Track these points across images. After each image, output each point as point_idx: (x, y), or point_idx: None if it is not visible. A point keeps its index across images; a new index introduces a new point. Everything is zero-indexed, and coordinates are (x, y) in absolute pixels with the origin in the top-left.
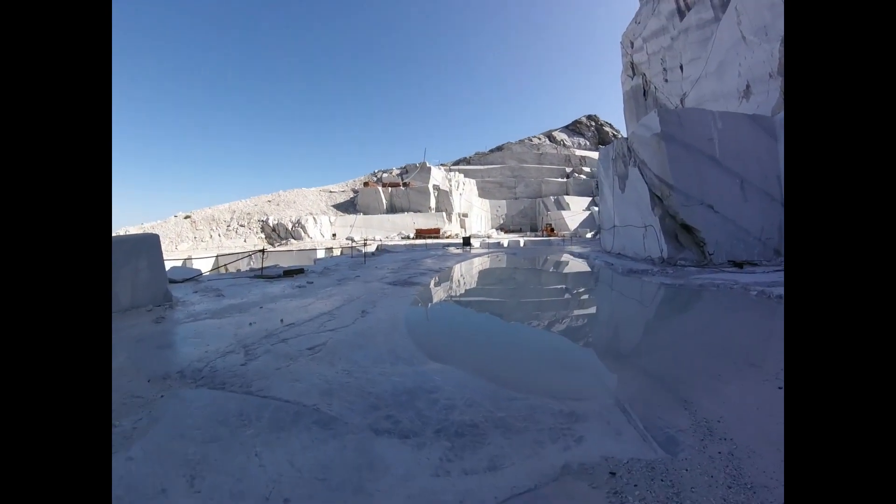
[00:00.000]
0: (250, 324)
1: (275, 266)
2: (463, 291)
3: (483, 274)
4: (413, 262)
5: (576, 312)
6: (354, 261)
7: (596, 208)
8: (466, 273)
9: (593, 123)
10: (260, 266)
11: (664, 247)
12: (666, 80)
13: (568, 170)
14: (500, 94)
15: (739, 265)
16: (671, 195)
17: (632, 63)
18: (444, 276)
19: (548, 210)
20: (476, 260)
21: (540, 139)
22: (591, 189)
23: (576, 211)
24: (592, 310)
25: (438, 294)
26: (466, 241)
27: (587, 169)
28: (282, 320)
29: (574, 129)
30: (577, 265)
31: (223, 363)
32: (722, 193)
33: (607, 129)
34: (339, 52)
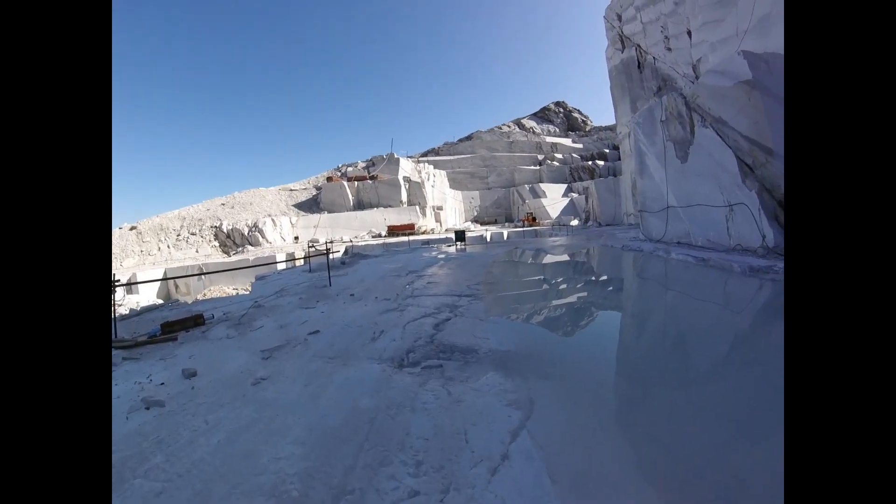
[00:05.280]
0: None
1: (168, 306)
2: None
3: (571, 309)
4: (412, 275)
5: None
6: (314, 280)
7: (575, 195)
8: (532, 299)
9: (562, 110)
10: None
11: (768, 232)
12: (668, 49)
13: (540, 157)
14: (467, 82)
15: None
16: (768, 162)
17: (620, 36)
18: (506, 307)
19: (524, 199)
20: (501, 264)
21: (510, 127)
22: (564, 176)
23: (554, 198)
24: None
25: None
26: (460, 237)
27: (559, 155)
28: None
29: (543, 116)
30: (666, 268)
31: None
32: None
33: (576, 115)
34: (296, 40)
